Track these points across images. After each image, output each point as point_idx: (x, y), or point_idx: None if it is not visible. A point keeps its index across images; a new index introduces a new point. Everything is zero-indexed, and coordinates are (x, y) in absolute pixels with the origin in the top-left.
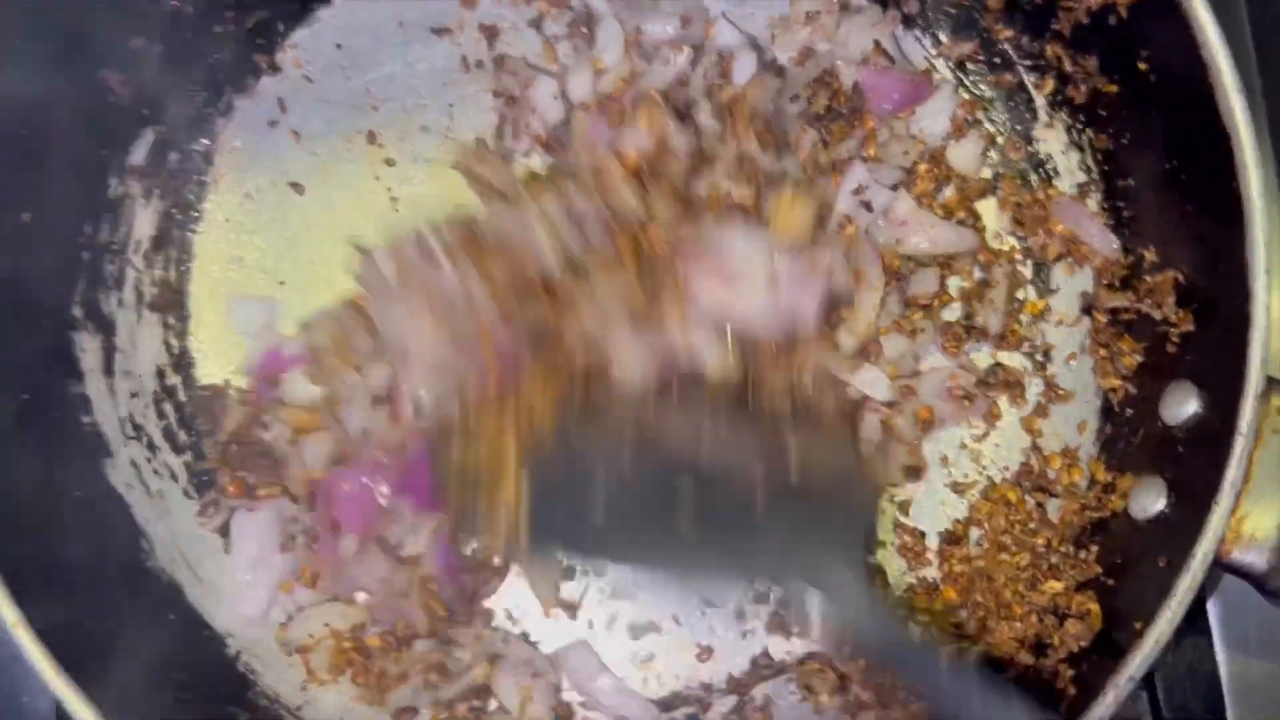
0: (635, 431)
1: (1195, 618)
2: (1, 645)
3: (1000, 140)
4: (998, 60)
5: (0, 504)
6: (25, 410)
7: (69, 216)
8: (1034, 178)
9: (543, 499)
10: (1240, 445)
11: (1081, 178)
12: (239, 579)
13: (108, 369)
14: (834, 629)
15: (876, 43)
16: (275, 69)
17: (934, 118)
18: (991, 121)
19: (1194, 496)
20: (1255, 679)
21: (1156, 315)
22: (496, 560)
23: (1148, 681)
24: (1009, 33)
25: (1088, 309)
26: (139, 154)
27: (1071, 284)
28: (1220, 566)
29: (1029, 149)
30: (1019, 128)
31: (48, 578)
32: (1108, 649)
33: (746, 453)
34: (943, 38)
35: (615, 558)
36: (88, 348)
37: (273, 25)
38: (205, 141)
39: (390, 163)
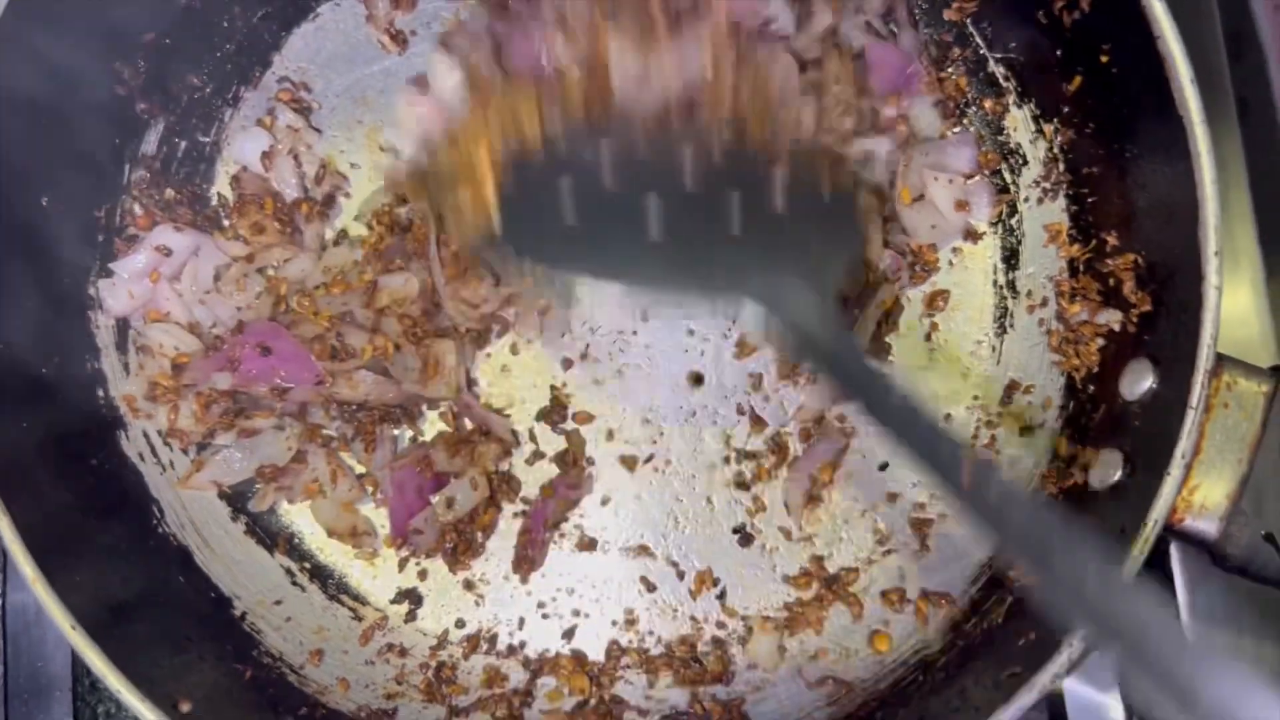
0: (619, 143)
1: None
2: (21, 610)
3: (972, 130)
4: (970, 54)
5: (20, 472)
6: (45, 384)
7: (84, 201)
8: (1004, 167)
9: (517, 200)
10: (1191, 418)
11: (1048, 166)
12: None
13: (121, 346)
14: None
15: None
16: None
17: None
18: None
19: (1149, 468)
20: (1218, 647)
21: (1118, 297)
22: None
23: None
24: (982, 25)
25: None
26: (150, 143)
27: (1038, 266)
28: (1173, 534)
29: (998, 139)
30: (990, 117)
31: (66, 541)
32: None
33: (729, 177)
34: (919, 29)
35: (583, 266)
36: (102, 325)
37: (278, 19)
38: (214, 131)
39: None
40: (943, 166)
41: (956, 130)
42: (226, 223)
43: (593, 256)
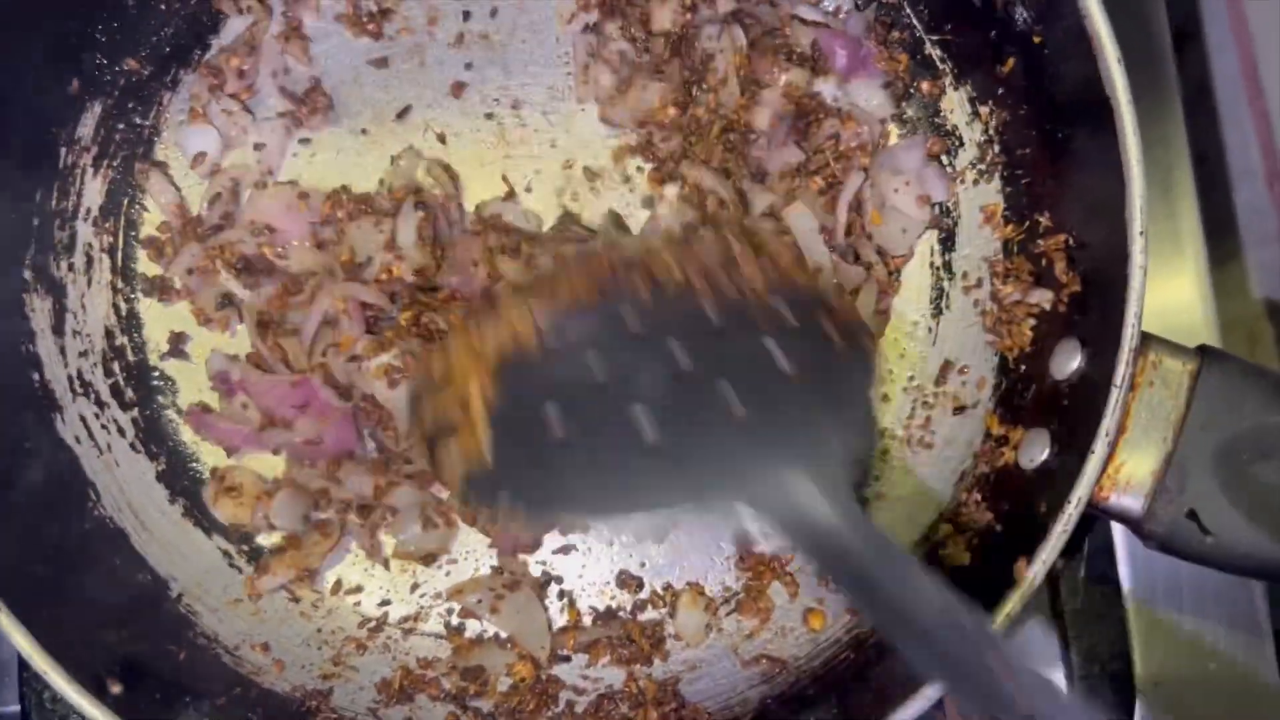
0: (602, 335)
1: (1105, 568)
2: None
3: (909, 112)
4: (907, 36)
5: None
6: None
7: (20, 184)
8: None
9: (507, 422)
10: (1115, 396)
11: (984, 148)
12: None
13: (58, 329)
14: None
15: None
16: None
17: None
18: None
19: (1075, 447)
20: (1160, 625)
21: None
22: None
23: (1060, 626)
24: (918, 7)
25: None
26: (87, 126)
27: (974, 248)
28: (1098, 511)
29: (935, 120)
30: (926, 100)
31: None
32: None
33: (720, 349)
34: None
35: (573, 505)
36: (38, 309)
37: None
38: (152, 114)
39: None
40: (899, 171)
41: (902, 132)
42: None
43: (586, 486)
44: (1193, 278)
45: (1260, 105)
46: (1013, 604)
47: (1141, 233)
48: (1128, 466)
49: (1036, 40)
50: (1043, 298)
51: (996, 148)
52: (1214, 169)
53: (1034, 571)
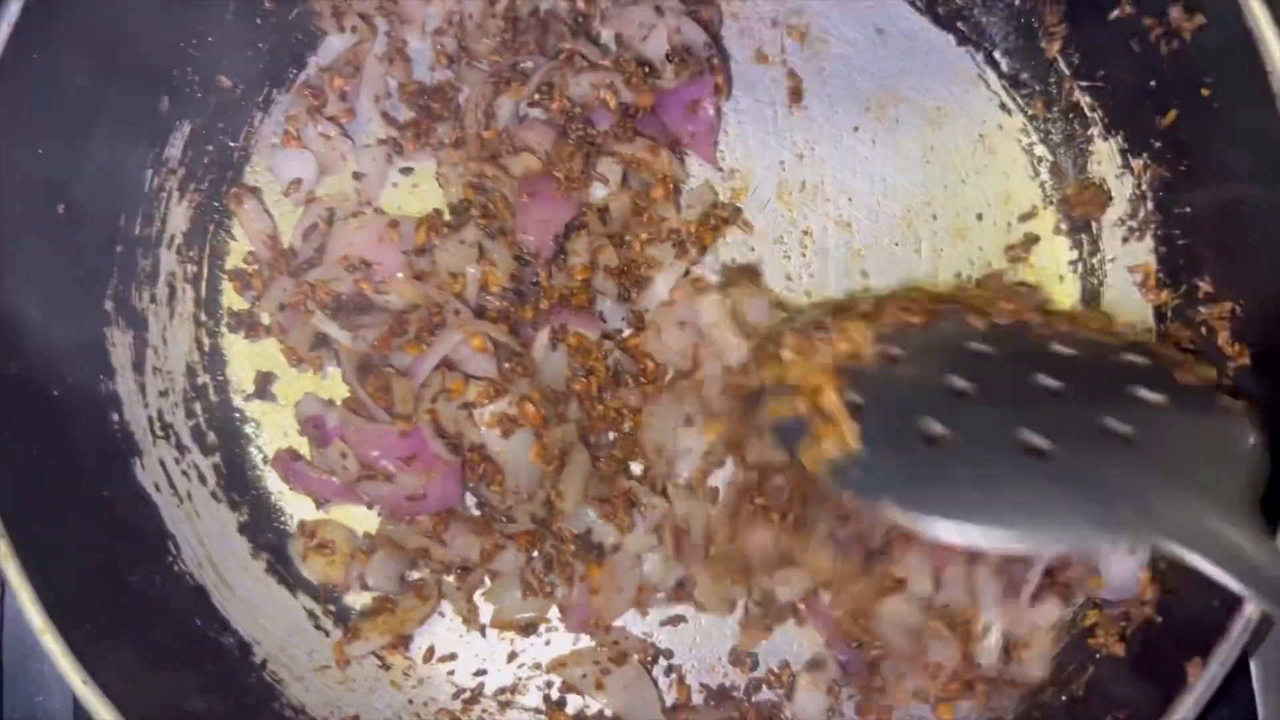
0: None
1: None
2: (18, 644)
3: (1049, 161)
4: (1052, 80)
5: (27, 504)
6: (57, 406)
7: (105, 207)
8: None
9: (871, 408)
10: None
11: (1135, 204)
12: None
13: (138, 365)
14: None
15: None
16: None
17: None
18: (1045, 142)
19: None
20: None
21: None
22: None
23: None
24: (1065, 51)
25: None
26: (175, 147)
27: (1122, 312)
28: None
29: (1082, 176)
30: (1072, 151)
31: (77, 583)
32: (1154, 689)
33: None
34: (997, 55)
35: (949, 505)
36: (119, 343)
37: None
38: (242, 135)
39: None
40: None
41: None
42: None
43: (973, 491)
44: None
45: None
46: (1185, 709)
47: None
48: None
49: (1204, 92)
50: (1205, 375)
51: (1150, 204)
52: None
53: (1210, 673)
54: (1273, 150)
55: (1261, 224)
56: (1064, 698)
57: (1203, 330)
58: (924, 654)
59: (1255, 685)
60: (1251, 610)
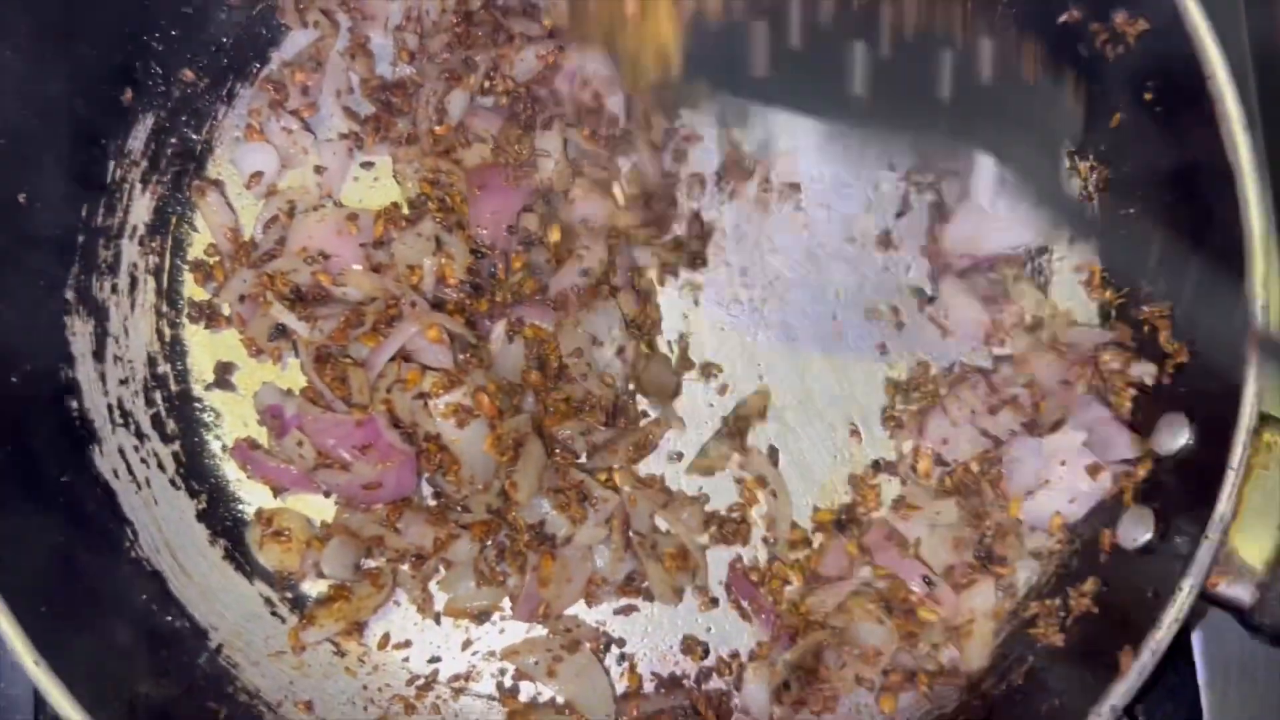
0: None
1: (1181, 646)
2: None
3: None
4: None
5: None
6: (15, 393)
7: (67, 198)
8: None
9: (699, 44)
10: (1231, 480)
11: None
12: None
13: (99, 354)
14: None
15: None
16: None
17: None
18: None
19: (1182, 528)
20: (1234, 706)
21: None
22: None
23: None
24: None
25: None
26: (138, 139)
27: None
28: (1206, 599)
29: None
30: None
31: (32, 568)
32: (1089, 677)
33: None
34: None
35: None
36: (79, 332)
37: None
38: (205, 129)
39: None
40: None
41: None
42: None
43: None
44: None
45: None
46: (1116, 697)
47: (1264, 305)
48: (1239, 554)
49: (1147, 97)
50: (1145, 371)
51: (1095, 205)
52: None
53: (1142, 662)
54: (1211, 152)
55: (1194, 227)
56: (1004, 687)
57: (1145, 328)
58: (857, 639)
59: (1200, 683)
60: (1183, 601)
